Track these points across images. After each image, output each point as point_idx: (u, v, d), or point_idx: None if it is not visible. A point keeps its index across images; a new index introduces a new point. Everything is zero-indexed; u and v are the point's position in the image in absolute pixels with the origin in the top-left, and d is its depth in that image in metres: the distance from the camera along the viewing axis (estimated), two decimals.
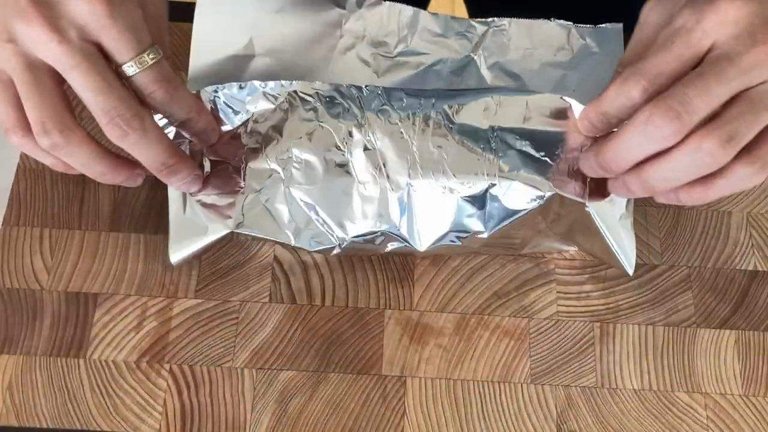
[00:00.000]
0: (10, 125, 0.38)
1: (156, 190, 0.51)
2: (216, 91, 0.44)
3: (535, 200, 0.44)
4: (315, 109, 0.45)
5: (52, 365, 0.46)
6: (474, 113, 0.45)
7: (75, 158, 0.38)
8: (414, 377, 0.47)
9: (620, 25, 0.51)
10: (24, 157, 0.52)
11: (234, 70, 0.49)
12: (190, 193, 0.45)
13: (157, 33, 0.39)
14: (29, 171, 0.51)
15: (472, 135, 0.44)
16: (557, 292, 0.49)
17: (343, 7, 0.51)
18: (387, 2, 0.51)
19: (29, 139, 0.38)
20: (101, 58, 0.37)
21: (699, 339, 0.48)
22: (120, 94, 0.37)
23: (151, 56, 0.37)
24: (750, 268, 0.50)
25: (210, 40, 0.49)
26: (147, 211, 0.50)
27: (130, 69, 0.37)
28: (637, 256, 0.50)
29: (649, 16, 0.40)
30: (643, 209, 0.51)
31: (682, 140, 0.35)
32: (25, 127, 0.37)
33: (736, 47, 0.35)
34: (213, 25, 0.50)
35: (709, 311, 0.49)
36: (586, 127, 0.40)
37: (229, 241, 0.49)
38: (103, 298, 0.48)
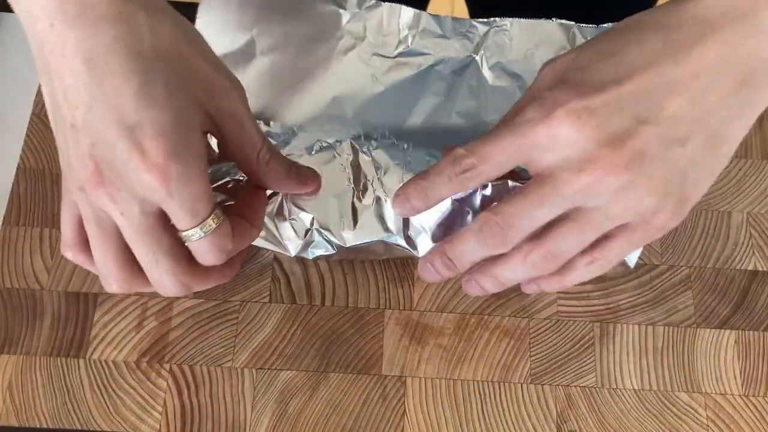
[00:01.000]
0: (69, 243, 0.39)
1: None
2: None
3: None
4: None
5: (52, 365, 0.46)
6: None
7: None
8: (414, 377, 0.47)
9: None
10: (24, 158, 0.52)
11: (235, 67, 0.49)
12: None
13: (238, 129, 0.39)
14: (29, 171, 0.51)
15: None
16: (557, 292, 0.49)
17: (344, 8, 0.51)
18: (387, 3, 0.51)
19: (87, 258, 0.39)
20: (160, 228, 0.37)
21: (699, 339, 0.48)
22: (168, 267, 0.37)
23: (207, 226, 0.37)
24: (750, 268, 0.50)
25: (212, 38, 0.50)
26: None
27: (190, 236, 0.37)
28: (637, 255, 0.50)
29: (543, 75, 0.39)
30: None
31: (515, 247, 0.38)
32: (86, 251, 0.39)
33: (563, 172, 0.35)
34: (215, 23, 0.50)
35: (709, 311, 0.49)
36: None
37: None
38: (103, 298, 0.48)
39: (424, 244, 0.45)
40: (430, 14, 0.51)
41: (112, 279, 0.38)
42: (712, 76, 0.34)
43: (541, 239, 0.37)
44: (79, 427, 0.45)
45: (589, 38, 0.50)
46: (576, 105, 0.34)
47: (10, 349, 0.47)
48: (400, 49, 0.50)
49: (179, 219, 0.36)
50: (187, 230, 0.36)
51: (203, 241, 0.37)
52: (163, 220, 0.36)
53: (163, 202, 0.35)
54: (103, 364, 0.46)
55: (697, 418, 0.46)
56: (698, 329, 0.48)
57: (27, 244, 0.49)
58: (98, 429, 0.45)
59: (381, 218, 0.45)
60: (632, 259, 0.46)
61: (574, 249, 0.37)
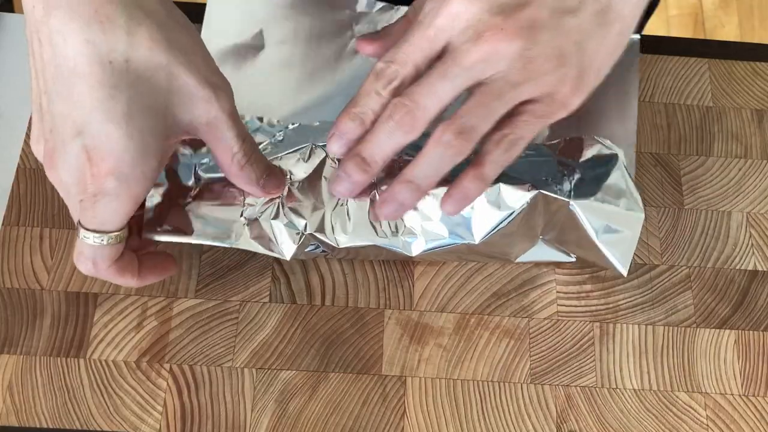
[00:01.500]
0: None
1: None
2: None
3: (519, 200, 0.44)
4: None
5: (52, 365, 0.46)
6: None
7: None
8: (414, 377, 0.47)
9: (637, 37, 0.51)
10: (24, 157, 0.52)
11: (243, 58, 0.49)
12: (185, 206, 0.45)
13: (215, 134, 0.40)
14: (29, 171, 0.51)
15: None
16: (557, 292, 0.49)
17: (354, 10, 0.51)
18: (398, 7, 0.51)
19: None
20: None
21: (699, 339, 0.48)
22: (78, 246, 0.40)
23: (101, 239, 0.39)
24: (750, 268, 0.50)
25: (221, 27, 0.50)
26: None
27: (83, 235, 0.39)
28: (638, 256, 0.50)
29: None
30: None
31: (427, 136, 0.38)
32: None
33: (462, 45, 0.36)
34: (225, 14, 0.50)
35: (709, 311, 0.49)
36: (341, 130, 0.41)
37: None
38: (103, 298, 0.48)
39: (415, 246, 0.45)
40: None
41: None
42: None
43: (452, 118, 0.37)
44: (79, 427, 0.45)
45: None
46: None
47: (10, 349, 0.47)
48: None
49: (87, 219, 0.38)
50: (87, 230, 0.39)
51: (93, 248, 0.39)
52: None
53: (85, 202, 0.37)
54: (103, 364, 0.46)
55: (697, 418, 0.46)
56: (698, 329, 0.48)
57: (27, 244, 0.49)
58: (98, 429, 0.45)
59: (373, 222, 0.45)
60: (624, 264, 0.46)
61: (483, 123, 0.37)
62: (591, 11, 0.37)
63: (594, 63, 0.38)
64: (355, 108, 0.39)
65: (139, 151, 0.36)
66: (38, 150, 0.38)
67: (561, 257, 0.48)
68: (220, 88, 0.39)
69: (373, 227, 0.45)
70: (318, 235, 0.44)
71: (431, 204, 0.44)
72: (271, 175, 0.43)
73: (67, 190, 0.38)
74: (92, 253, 0.39)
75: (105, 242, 0.39)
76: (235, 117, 0.39)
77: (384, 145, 0.38)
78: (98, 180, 0.36)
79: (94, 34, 0.34)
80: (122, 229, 0.39)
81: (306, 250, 0.46)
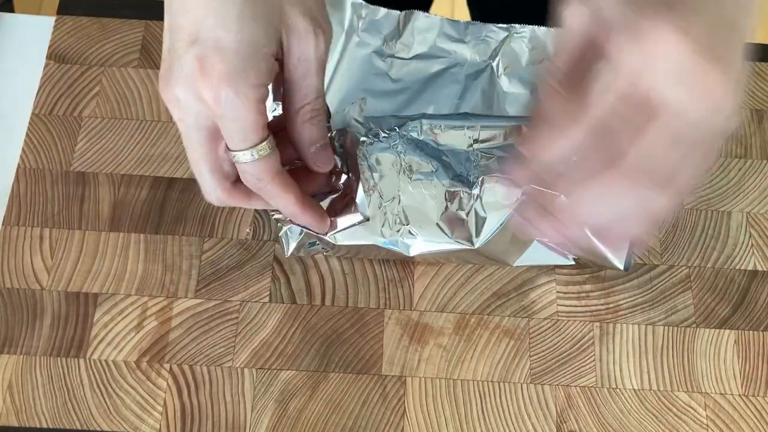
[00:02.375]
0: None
1: (156, 190, 0.51)
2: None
3: (514, 198, 0.44)
4: None
5: (52, 365, 0.46)
6: (455, 138, 0.45)
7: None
8: (414, 377, 0.47)
9: None
10: (24, 158, 0.52)
11: None
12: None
13: (302, 74, 0.39)
14: (29, 171, 0.51)
15: (453, 153, 0.45)
16: (557, 292, 0.49)
17: (361, 16, 0.51)
18: (404, 11, 0.51)
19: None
20: (208, 144, 0.38)
21: (699, 339, 0.48)
22: (207, 178, 0.39)
23: (256, 152, 0.38)
24: (750, 268, 0.50)
25: None
26: (147, 211, 0.50)
27: (238, 157, 0.38)
28: (637, 255, 0.50)
29: (572, 22, 0.36)
30: None
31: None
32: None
33: (680, 100, 0.33)
34: None
35: (709, 311, 0.49)
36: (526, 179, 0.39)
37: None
38: (103, 298, 0.48)
39: (414, 247, 0.45)
40: (447, 19, 0.51)
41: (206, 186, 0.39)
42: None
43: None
44: (79, 427, 0.45)
45: None
46: (675, 23, 0.32)
47: (10, 349, 0.47)
48: (417, 51, 0.50)
49: (228, 139, 0.38)
50: (235, 151, 0.38)
51: (249, 165, 0.38)
52: (214, 136, 0.38)
53: (216, 119, 0.37)
54: (103, 364, 0.46)
55: (697, 418, 0.46)
56: (698, 329, 0.48)
57: (27, 244, 0.49)
58: (98, 429, 0.45)
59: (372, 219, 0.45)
60: (620, 259, 0.46)
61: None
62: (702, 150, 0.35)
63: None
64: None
65: (250, 55, 0.36)
66: (160, 86, 0.38)
67: (559, 260, 0.48)
68: (323, 30, 0.39)
69: (372, 226, 0.45)
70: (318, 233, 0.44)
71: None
72: (325, 148, 0.42)
73: (185, 116, 0.37)
74: (252, 168, 0.38)
75: (257, 155, 0.38)
76: (323, 67, 0.39)
77: (600, 211, 0.37)
78: (214, 91, 0.36)
79: None
80: (266, 138, 0.38)
81: (306, 248, 0.46)
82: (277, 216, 0.44)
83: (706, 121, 0.33)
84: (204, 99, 0.36)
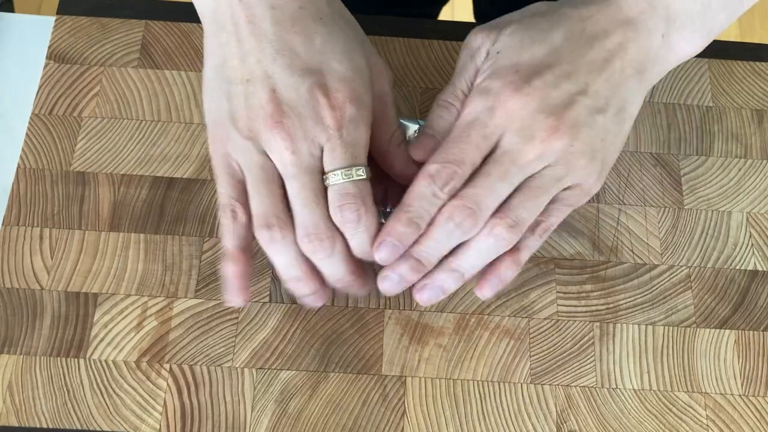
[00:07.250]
0: (229, 205, 0.41)
1: (156, 190, 0.51)
2: None
3: None
4: None
5: (52, 365, 0.46)
6: None
7: (282, 257, 0.41)
8: (414, 377, 0.47)
9: None
10: (24, 158, 0.52)
11: None
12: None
13: (382, 109, 0.43)
14: (29, 171, 0.51)
15: None
16: (557, 292, 0.49)
17: None
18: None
19: (247, 227, 0.42)
20: (319, 174, 0.40)
21: (699, 339, 0.48)
22: (323, 214, 0.40)
23: (355, 173, 0.40)
24: (750, 268, 0.50)
25: None
26: (147, 211, 0.50)
27: (335, 178, 0.40)
28: (637, 256, 0.50)
29: (472, 43, 0.44)
30: (643, 209, 0.51)
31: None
32: (246, 213, 0.41)
33: (518, 145, 0.40)
34: None
35: (709, 311, 0.49)
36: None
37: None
38: (103, 298, 0.48)
39: None
40: None
41: (274, 220, 0.40)
42: (619, 61, 0.41)
43: (503, 211, 0.40)
44: (79, 427, 0.45)
45: None
46: (522, 87, 0.40)
47: (10, 349, 0.47)
48: None
49: (336, 156, 0.39)
50: (335, 170, 0.39)
51: (343, 185, 0.40)
52: (319, 167, 0.40)
53: (331, 140, 0.39)
54: (103, 364, 0.46)
55: (697, 418, 0.46)
56: (698, 329, 0.48)
57: (27, 244, 0.49)
58: (98, 429, 0.45)
59: None
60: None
61: (531, 216, 0.41)
62: (613, 111, 0.41)
63: (611, 157, 0.42)
64: (409, 213, 0.40)
65: (362, 81, 0.41)
66: (261, 125, 0.39)
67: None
68: (389, 69, 0.44)
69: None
70: None
71: None
72: (412, 166, 0.44)
73: (311, 140, 0.39)
74: (356, 188, 0.40)
75: (363, 174, 0.40)
76: (395, 102, 0.44)
77: (441, 246, 0.41)
78: (339, 110, 0.39)
79: (305, 2, 0.40)
80: (366, 164, 0.41)
81: None
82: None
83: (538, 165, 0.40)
84: (325, 120, 0.39)
